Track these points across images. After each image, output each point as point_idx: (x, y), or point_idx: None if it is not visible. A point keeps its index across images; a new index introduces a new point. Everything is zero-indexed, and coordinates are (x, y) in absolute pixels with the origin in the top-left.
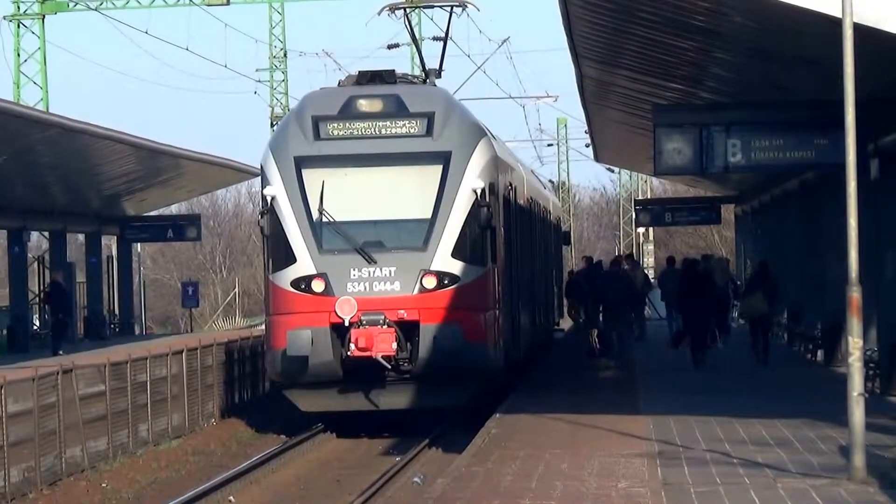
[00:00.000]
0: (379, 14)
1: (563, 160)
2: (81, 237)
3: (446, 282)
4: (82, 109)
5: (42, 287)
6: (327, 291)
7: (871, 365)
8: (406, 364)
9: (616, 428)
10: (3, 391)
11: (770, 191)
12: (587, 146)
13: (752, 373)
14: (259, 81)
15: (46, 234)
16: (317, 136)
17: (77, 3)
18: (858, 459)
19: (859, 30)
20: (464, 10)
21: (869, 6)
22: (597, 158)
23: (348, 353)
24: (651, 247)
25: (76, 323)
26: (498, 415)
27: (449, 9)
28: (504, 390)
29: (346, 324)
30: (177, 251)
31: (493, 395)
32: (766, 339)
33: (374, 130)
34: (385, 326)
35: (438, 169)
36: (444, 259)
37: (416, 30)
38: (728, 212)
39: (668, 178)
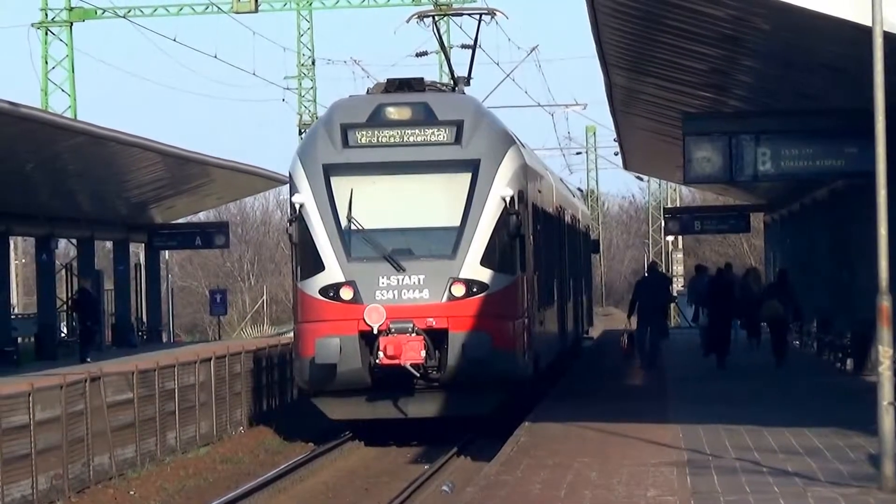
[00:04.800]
0: (408, 22)
1: (591, 168)
2: (109, 244)
3: (475, 290)
4: (110, 117)
5: (70, 294)
6: (356, 299)
7: None
8: (434, 372)
9: (645, 436)
10: (31, 398)
11: (799, 199)
12: (616, 154)
13: (773, 374)
14: (287, 89)
15: (74, 241)
16: (345, 144)
17: (105, 11)
18: (889, 468)
19: (889, 38)
20: (492, 18)
21: None
22: (626, 166)
23: (377, 360)
24: (680, 255)
25: (104, 330)
26: (527, 423)
27: (478, 17)
28: (533, 398)
29: (375, 331)
30: (205, 259)
31: (521, 403)
32: (784, 341)
33: (403, 138)
34: (414, 334)
35: (467, 177)
36: (473, 267)
37: (444, 38)
38: (757, 220)
39: (698, 187)
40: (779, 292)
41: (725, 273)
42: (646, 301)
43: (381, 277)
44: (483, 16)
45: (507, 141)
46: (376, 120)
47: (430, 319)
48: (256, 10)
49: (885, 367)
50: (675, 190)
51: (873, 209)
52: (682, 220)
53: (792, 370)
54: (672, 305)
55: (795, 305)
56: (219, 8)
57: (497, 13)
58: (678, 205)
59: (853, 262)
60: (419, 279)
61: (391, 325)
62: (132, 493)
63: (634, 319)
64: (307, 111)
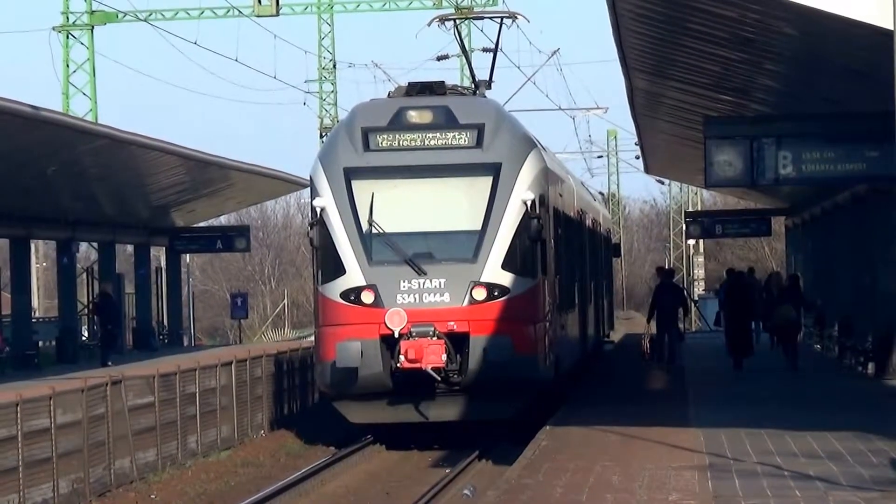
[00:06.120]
0: (429, 25)
1: (612, 172)
2: (130, 248)
3: (496, 293)
4: (131, 120)
5: (91, 298)
6: (377, 303)
7: None
8: (456, 376)
9: (666, 440)
10: (52, 402)
11: (821, 203)
12: (637, 158)
13: (794, 378)
14: (308, 92)
15: (95, 244)
16: (366, 148)
17: (126, 15)
18: None
19: None
20: (514, 21)
21: None
22: (647, 170)
23: (398, 364)
24: (701, 259)
25: (125, 334)
26: (548, 427)
27: (499, 20)
28: (554, 402)
29: (396, 335)
30: (226, 262)
31: (542, 407)
32: (795, 345)
33: (424, 142)
34: (435, 338)
35: (488, 180)
36: (494, 271)
37: (465, 41)
38: (778, 224)
39: (719, 190)
40: (792, 297)
41: (742, 276)
42: (663, 306)
43: (402, 281)
44: (504, 19)
45: (528, 144)
46: (397, 123)
47: (452, 323)
48: (277, 14)
49: None
50: (696, 193)
51: (894, 213)
52: (704, 223)
53: (817, 374)
54: (694, 309)
55: (818, 311)
56: (240, 11)
57: (518, 16)
58: (699, 208)
59: (875, 265)
60: (440, 283)
61: (412, 329)
62: (153, 496)
63: (653, 324)
64: (328, 115)
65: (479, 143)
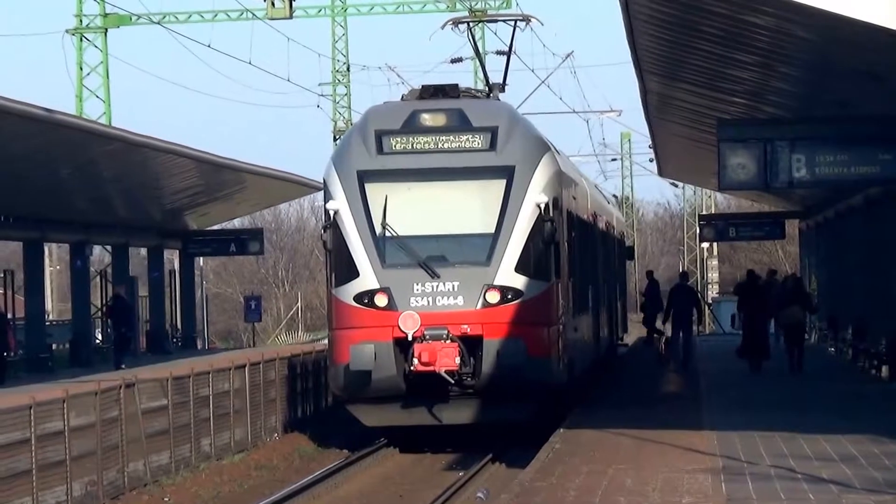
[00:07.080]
0: (442, 28)
1: (626, 175)
2: (144, 251)
3: (510, 297)
4: (144, 123)
5: (104, 301)
6: (390, 306)
7: None
8: (469, 379)
9: (680, 443)
10: (65, 405)
11: (834, 206)
12: (651, 161)
13: (788, 379)
14: (322, 95)
15: (109, 248)
16: (380, 151)
17: (139, 17)
18: None
19: None
20: (527, 24)
21: None
22: (661, 173)
23: (411, 367)
24: (715, 262)
25: (138, 337)
26: (561, 430)
27: (513, 23)
28: (567, 405)
29: (410, 338)
30: (239, 265)
31: (556, 410)
32: (801, 347)
33: (438, 145)
34: (448, 341)
35: (502, 183)
36: (508, 274)
37: (479, 44)
38: (792, 227)
39: (733, 193)
40: (797, 298)
41: (755, 278)
42: (678, 308)
43: (415, 284)
44: (518, 22)
45: (542, 147)
46: (411, 126)
47: (465, 326)
48: (291, 17)
49: None
50: (710, 196)
51: None
52: (717, 226)
53: (831, 377)
54: (707, 312)
55: (829, 314)
56: (253, 14)
57: (532, 19)
58: (713, 211)
59: (888, 268)
60: (454, 286)
61: (426, 332)
62: (167, 499)
63: (668, 326)
64: (342, 117)
65: (492, 145)
